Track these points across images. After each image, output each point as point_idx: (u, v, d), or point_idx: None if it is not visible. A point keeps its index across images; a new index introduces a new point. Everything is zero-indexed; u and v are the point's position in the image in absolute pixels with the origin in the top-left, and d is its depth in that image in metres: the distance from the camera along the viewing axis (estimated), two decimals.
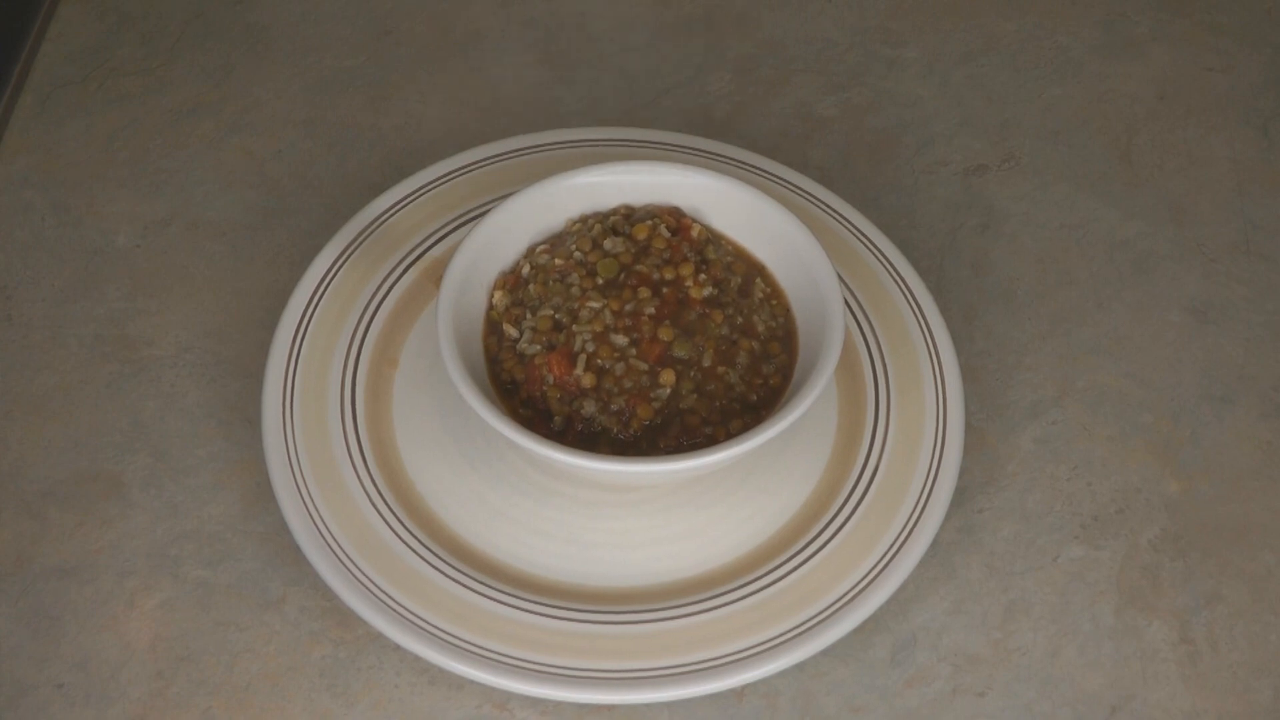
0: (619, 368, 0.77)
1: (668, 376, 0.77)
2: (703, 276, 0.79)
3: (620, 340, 0.77)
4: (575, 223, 0.82)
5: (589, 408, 0.76)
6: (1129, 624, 0.77)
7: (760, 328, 0.79)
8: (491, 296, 0.81)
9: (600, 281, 0.79)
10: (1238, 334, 0.89)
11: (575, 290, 0.79)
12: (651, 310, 0.78)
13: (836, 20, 1.05)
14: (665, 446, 0.76)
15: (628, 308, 0.78)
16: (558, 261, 0.80)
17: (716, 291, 0.79)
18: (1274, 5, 1.06)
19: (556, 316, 0.79)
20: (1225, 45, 1.04)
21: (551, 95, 1.00)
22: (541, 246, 0.82)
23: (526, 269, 0.81)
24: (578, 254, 0.80)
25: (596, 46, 1.03)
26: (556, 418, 0.77)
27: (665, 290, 0.79)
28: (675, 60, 1.02)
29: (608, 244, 0.80)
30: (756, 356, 0.79)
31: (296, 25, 1.04)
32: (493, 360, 0.79)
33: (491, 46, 1.03)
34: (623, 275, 0.79)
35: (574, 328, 0.78)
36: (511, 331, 0.79)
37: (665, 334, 0.77)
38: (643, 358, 0.77)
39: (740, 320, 0.79)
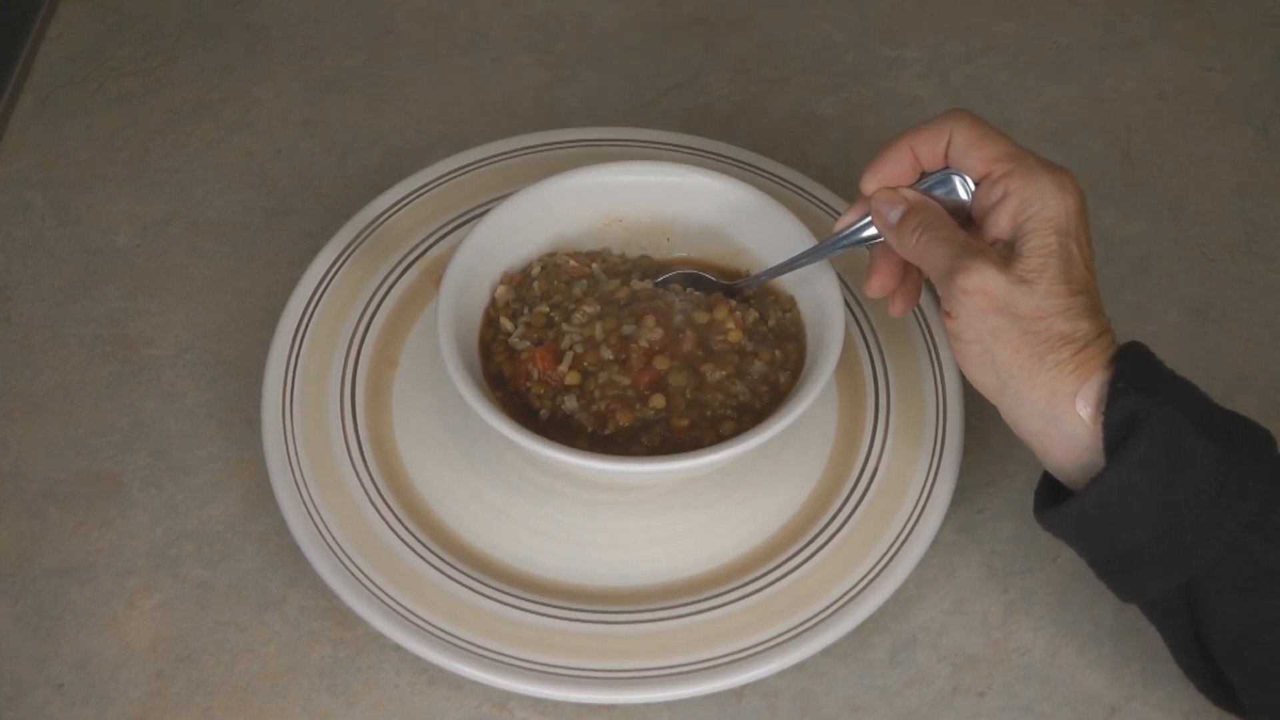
0: (601, 375, 0.77)
1: (658, 400, 0.77)
2: (737, 315, 0.79)
3: (607, 354, 0.77)
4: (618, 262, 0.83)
5: (570, 403, 0.76)
6: (1129, 624, 0.77)
7: (774, 354, 0.79)
8: (494, 292, 0.81)
9: (602, 292, 0.79)
10: (1238, 334, 0.89)
11: (576, 292, 0.79)
12: (647, 343, 0.77)
13: (836, 20, 1.05)
14: (649, 444, 0.76)
15: (625, 329, 0.78)
16: (572, 263, 0.81)
17: (747, 339, 0.79)
18: (1274, 5, 1.06)
19: (551, 314, 0.79)
20: (1225, 45, 1.04)
21: (551, 95, 1.00)
22: (565, 251, 0.82)
23: (537, 269, 0.81)
24: (595, 266, 0.81)
25: (596, 46, 1.03)
26: (542, 411, 0.77)
27: (693, 330, 0.78)
28: (675, 60, 1.02)
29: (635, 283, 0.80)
30: (765, 371, 0.79)
31: (296, 25, 1.04)
32: (486, 350, 0.79)
33: (491, 46, 1.03)
34: (633, 303, 0.79)
35: (563, 326, 0.78)
36: (507, 325, 0.79)
37: (661, 363, 0.77)
38: (634, 383, 0.77)
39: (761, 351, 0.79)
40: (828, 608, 0.75)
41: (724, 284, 0.81)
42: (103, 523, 0.80)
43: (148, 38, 1.02)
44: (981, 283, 0.69)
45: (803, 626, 0.75)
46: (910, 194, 0.75)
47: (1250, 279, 0.92)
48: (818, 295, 0.79)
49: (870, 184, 0.76)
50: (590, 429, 0.76)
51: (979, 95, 1.01)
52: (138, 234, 0.92)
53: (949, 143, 0.73)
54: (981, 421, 0.85)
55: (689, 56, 1.03)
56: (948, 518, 0.79)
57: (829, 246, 0.78)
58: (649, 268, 0.83)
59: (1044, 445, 0.70)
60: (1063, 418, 0.69)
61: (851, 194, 0.92)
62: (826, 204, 0.90)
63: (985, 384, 0.71)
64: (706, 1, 1.06)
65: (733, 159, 0.92)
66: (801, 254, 0.79)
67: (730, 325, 0.79)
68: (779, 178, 0.91)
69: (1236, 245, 0.93)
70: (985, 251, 0.70)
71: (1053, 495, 0.71)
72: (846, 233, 0.77)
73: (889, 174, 0.75)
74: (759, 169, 0.91)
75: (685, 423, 0.77)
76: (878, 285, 0.77)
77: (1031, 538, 0.80)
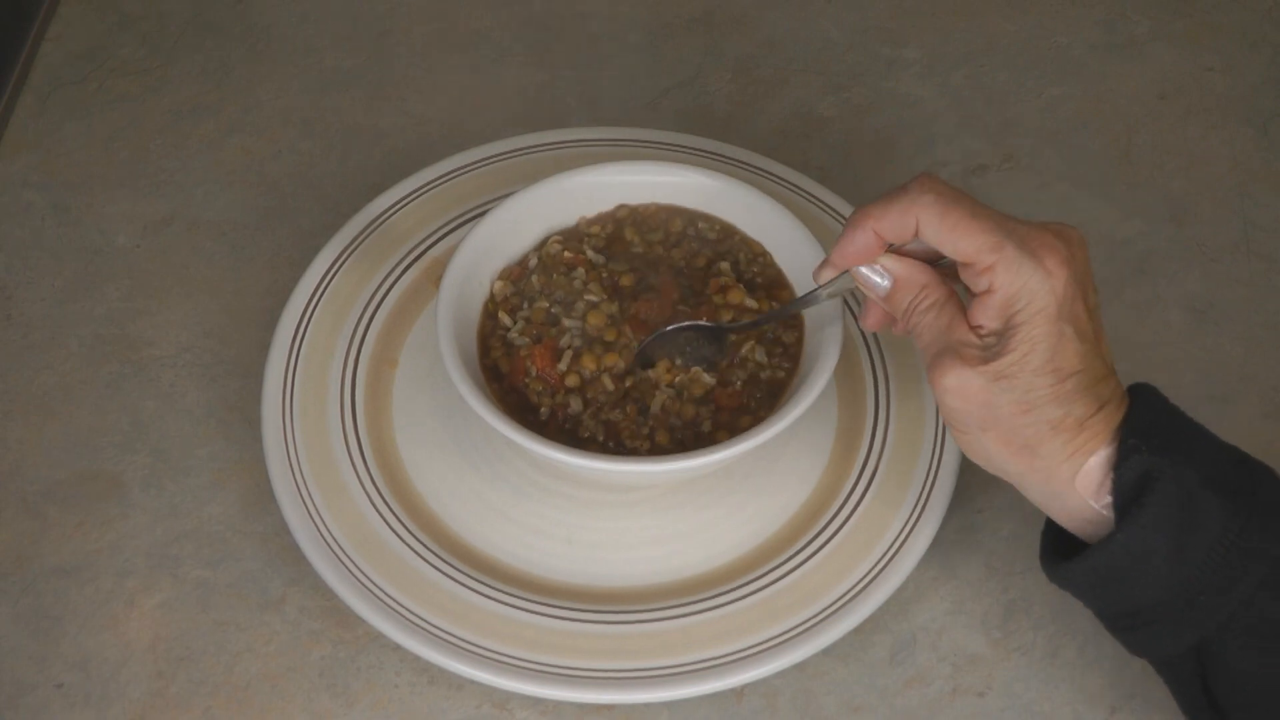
0: (607, 379, 0.77)
1: (688, 411, 0.77)
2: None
3: (609, 385, 0.77)
4: (592, 223, 0.82)
5: (575, 404, 0.76)
6: None
7: (771, 305, 0.80)
8: (492, 287, 0.81)
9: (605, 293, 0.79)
10: (1238, 334, 0.89)
11: (576, 284, 0.79)
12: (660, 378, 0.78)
13: (836, 20, 1.05)
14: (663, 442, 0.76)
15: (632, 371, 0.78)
16: (566, 254, 0.80)
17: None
18: (1274, 5, 1.06)
19: (552, 310, 0.79)
20: (1225, 45, 1.04)
21: (551, 95, 1.00)
22: (555, 237, 0.82)
23: (533, 260, 0.81)
24: (589, 250, 0.81)
25: (596, 46, 1.03)
26: (542, 409, 0.77)
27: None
28: (675, 60, 1.02)
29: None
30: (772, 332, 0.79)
31: (296, 25, 1.04)
32: (483, 344, 0.79)
33: (491, 46, 1.03)
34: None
35: (564, 321, 0.78)
36: (506, 320, 0.79)
37: (690, 411, 0.77)
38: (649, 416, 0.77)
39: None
40: (828, 608, 0.75)
41: (722, 326, 0.79)
42: (103, 523, 0.80)
43: (148, 38, 1.02)
44: (958, 383, 0.66)
45: (803, 626, 0.75)
46: (893, 266, 0.70)
47: (1250, 279, 0.92)
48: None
49: (827, 276, 0.72)
50: (602, 437, 0.76)
51: (979, 95, 1.01)
52: (138, 234, 0.92)
53: (917, 226, 0.67)
54: None
55: (689, 56, 1.03)
56: (948, 518, 0.79)
57: (815, 296, 0.75)
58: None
59: (1049, 512, 0.69)
60: (1064, 496, 0.67)
61: (851, 194, 0.93)
62: (826, 204, 0.90)
63: (984, 465, 0.70)
64: (706, 1, 1.06)
65: (733, 159, 0.92)
66: (794, 302, 0.78)
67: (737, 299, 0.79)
68: (779, 178, 0.91)
69: (1236, 245, 0.93)
70: (962, 348, 0.67)
71: (1059, 540, 0.70)
72: (828, 285, 0.73)
73: (853, 257, 0.70)
74: (759, 169, 0.91)
75: (708, 425, 0.77)
76: (873, 323, 0.73)
77: (1032, 537, 0.80)
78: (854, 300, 0.86)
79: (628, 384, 0.77)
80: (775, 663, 0.74)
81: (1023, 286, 0.65)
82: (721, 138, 0.95)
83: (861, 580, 0.76)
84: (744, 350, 0.78)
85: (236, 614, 0.77)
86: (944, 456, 0.80)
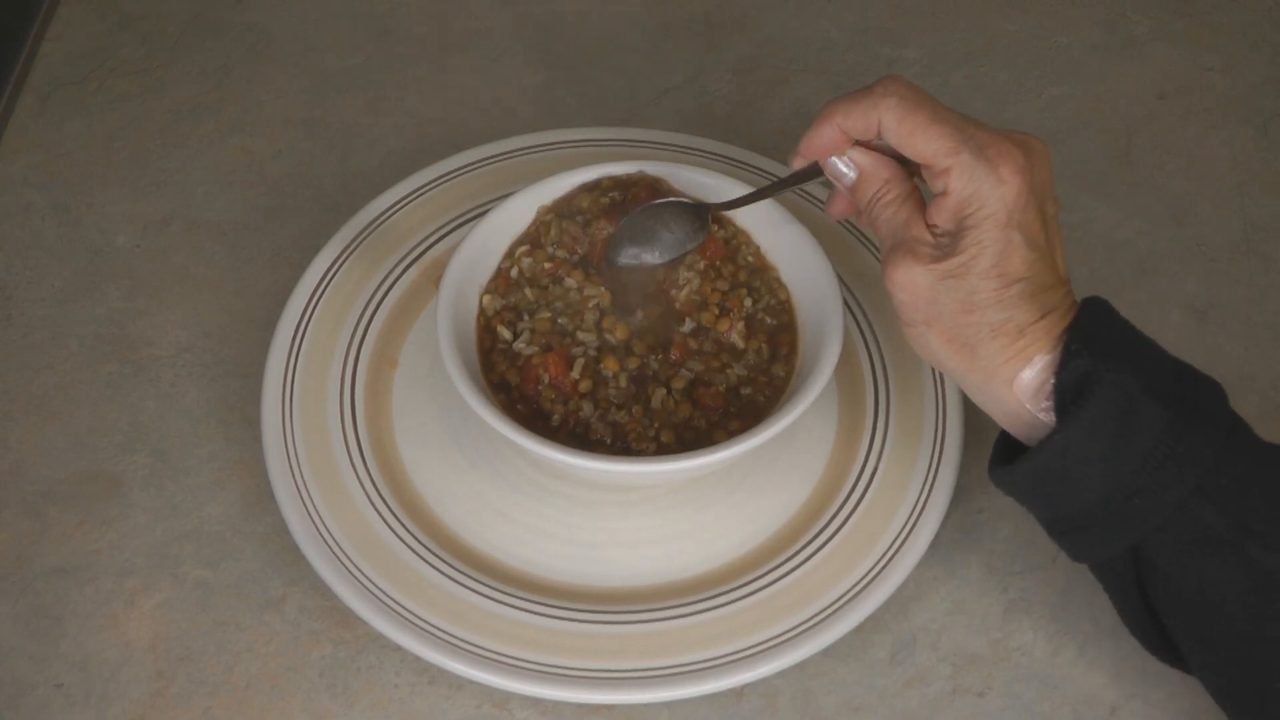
0: (622, 378, 0.77)
1: (678, 411, 0.77)
2: (740, 326, 0.79)
3: (623, 383, 0.77)
4: (548, 212, 0.82)
5: (586, 409, 0.76)
6: None
7: (762, 348, 0.79)
8: (481, 300, 0.80)
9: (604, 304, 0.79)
10: (1238, 334, 0.89)
11: (574, 297, 0.79)
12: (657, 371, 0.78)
13: (836, 20, 1.05)
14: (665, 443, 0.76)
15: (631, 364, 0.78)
16: (546, 265, 0.80)
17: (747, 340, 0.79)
18: (1274, 5, 1.06)
19: (557, 320, 0.78)
20: (1225, 45, 1.04)
21: (551, 95, 1.00)
22: (522, 249, 0.81)
23: (515, 271, 0.80)
24: (552, 249, 0.80)
25: (596, 46, 1.03)
26: (554, 416, 0.76)
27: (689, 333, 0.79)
28: (675, 60, 1.02)
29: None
30: (763, 359, 0.79)
31: (296, 25, 1.04)
32: (486, 359, 0.79)
33: (491, 46, 1.03)
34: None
35: (579, 334, 0.78)
36: (505, 334, 0.79)
37: (685, 410, 0.77)
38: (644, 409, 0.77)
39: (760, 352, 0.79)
40: (828, 608, 0.75)
41: (704, 204, 0.80)
42: (103, 523, 0.80)
43: (148, 38, 1.02)
44: (907, 278, 0.69)
45: (803, 626, 0.75)
46: (859, 159, 0.72)
47: (1250, 279, 0.92)
48: (817, 294, 0.79)
49: (797, 164, 0.74)
50: (610, 440, 0.76)
51: (979, 95, 1.01)
52: (138, 234, 0.92)
53: (879, 126, 0.70)
54: (981, 420, 0.85)
55: (689, 56, 1.03)
56: (948, 518, 0.79)
57: (793, 180, 0.76)
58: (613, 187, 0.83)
59: (990, 413, 0.71)
60: (1002, 399, 0.69)
61: None
62: (826, 204, 0.90)
63: (928, 360, 0.72)
64: (706, 1, 1.06)
65: (733, 159, 0.92)
66: (770, 185, 0.79)
67: (732, 330, 0.79)
68: (779, 178, 0.91)
69: (1236, 245, 0.93)
70: (916, 244, 0.69)
71: (1009, 453, 0.71)
72: (806, 171, 0.74)
73: (819, 149, 0.72)
74: (759, 169, 0.91)
75: (703, 423, 0.77)
76: (838, 210, 0.75)
77: (1031, 537, 0.80)
78: (852, 296, 0.86)
79: (592, 296, 0.77)
80: (775, 663, 0.74)
81: (975, 191, 0.67)
82: (721, 138, 0.95)
83: (861, 580, 0.76)
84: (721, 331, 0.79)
85: (236, 614, 0.77)
86: (944, 456, 0.80)
